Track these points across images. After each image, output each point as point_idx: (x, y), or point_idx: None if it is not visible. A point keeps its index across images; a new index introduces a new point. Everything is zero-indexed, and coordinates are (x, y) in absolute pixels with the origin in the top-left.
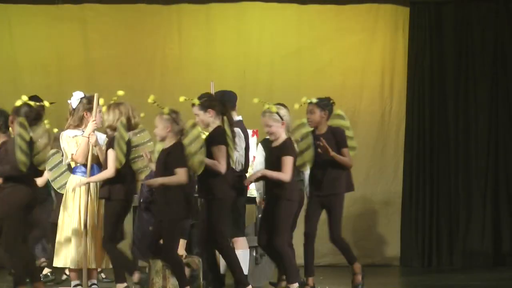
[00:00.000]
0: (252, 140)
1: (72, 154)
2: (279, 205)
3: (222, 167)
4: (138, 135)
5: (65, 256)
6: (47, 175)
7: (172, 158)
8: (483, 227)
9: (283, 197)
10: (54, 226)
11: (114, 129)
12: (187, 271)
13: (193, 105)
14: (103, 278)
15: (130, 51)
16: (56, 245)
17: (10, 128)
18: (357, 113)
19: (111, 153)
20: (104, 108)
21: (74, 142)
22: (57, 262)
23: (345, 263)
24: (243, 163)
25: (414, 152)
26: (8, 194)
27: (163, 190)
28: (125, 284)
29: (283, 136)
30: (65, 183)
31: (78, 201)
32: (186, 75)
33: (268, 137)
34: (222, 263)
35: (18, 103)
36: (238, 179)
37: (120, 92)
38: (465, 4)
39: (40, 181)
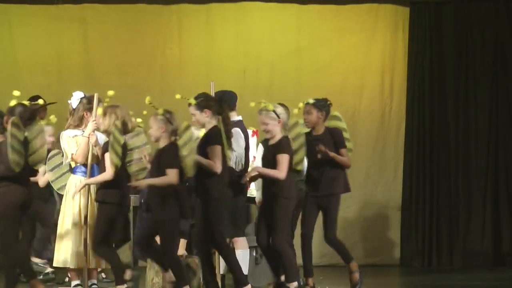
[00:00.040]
0: (252, 140)
1: (72, 154)
2: (277, 204)
3: (217, 167)
4: (134, 138)
5: (65, 256)
6: (48, 176)
7: (164, 158)
8: (483, 227)
9: (280, 195)
10: (56, 227)
11: (107, 131)
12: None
13: (189, 105)
14: (103, 278)
15: (130, 51)
16: (56, 245)
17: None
18: (357, 113)
19: (108, 157)
20: (99, 111)
21: (74, 142)
22: (57, 262)
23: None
24: (243, 163)
25: (414, 152)
26: (3, 194)
27: (156, 191)
28: (125, 286)
29: (279, 134)
30: (65, 185)
31: (78, 202)
32: (186, 75)
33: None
34: (222, 263)
35: (13, 103)
36: (238, 179)
37: (110, 92)
38: (465, 4)
39: (41, 182)
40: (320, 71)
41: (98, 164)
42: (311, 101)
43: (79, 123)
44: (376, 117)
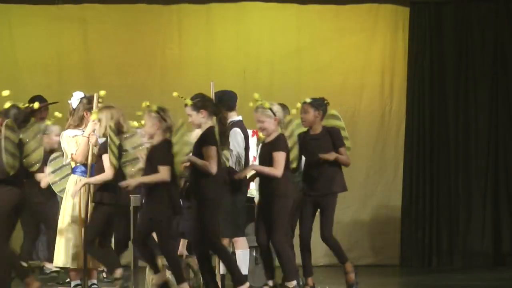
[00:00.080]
0: (252, 140)
1: (72, 154)
2: (274, 202)
3: (213, 168)
4: (129, 139)
5: (65, 256)
6: (49, 178)
7: (156, 155)
8: (483, 227)
9: (277, 193)
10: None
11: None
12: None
13: (186, 105)
14: (104, 278)
15: (130, 51)
16: (56, 245)
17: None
18: (357, 113)
19: (107, 158)
20: (93, 116)
21: (74, 142)
22: (57, 262)
23: None
24: (243, 163)
25: (414, 152)
26: None
27: (148, 188)
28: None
29: (275, 132)
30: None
31: (78, 202)
32: (186, 75)
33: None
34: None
35: (7, 105)
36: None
37: (102, 92)
38: (465, 4)
39: (43, 183)
40: (320, 71)
41: (96, 164)
42: (308, 100)
43: (79, 123)
44: (376, 117)
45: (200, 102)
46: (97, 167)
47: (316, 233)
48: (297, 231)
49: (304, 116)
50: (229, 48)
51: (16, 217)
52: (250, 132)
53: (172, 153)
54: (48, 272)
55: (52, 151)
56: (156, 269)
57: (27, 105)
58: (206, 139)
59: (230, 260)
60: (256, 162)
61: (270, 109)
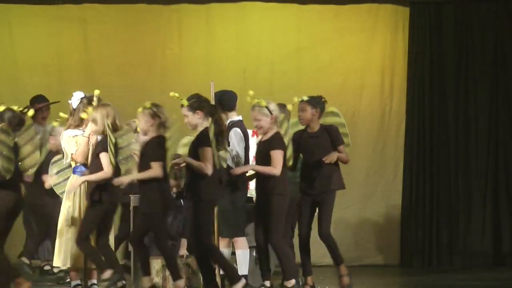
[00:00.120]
0: (252, 140)
1: (72, 154)
2: (271, 200)
3: (208, 169)
4: (123, 137)
5: (65, 256)
6: (52, 179)
7: (148, 151)
8: (483, 227)
9: (274, 192)
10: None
11: (102, 132)
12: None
13: (182, 105)
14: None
15: (130, 51)
16: (56, 245)
17: None
18: (357, 113)
19: (105, 156)
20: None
21: (74, 142)
22: (57, 262)
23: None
24: (243, 163)
25: (414, 152)
26: None
27: (140, 184)
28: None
29: (272, 130)
30: None
31: (78, 202)
32: (186, 75)
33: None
34: None
35: (1, 108)
36: (236, 178)
37: (96, 91)
38: (465, 4)
39: (47, 184)
40: (320, 71)
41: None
42: (305, 98)
43: (80, 123)
44: (376, 117)
45: (196, 103)
46: (95, 165)
47: (316, 233)
48: (297, 231)
49: (301, 114)
50: (229, 48)
51: (12, 221)
52: (250, 132)
53: (165, 149)
54: (56, 272)
55: (58, 152)
56: (146, 271)
57: (21, 108)
58: (202, 140)
59: (222, 260)
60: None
61: (267, 107)
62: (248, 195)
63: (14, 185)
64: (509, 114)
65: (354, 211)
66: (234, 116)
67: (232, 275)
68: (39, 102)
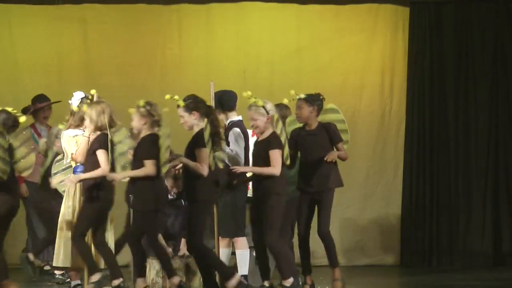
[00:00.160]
0: (252, 140)
1: (72, 154)
2: (268, 200)
3: (204, 170)
4: (116, 133)
5: (65, 256)
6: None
7: (142, 149)
8: (483, 227)
9: (272, 191)
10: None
11: (98, 129)
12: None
13: (178, 106)
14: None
15: (130, 51)
16: (56, 245)
17: None
18: (357, 113)
19: (102, 153)
20: (85, 108)
21: (74, 142)
22: (57, 262)
23: (345, 263)
24: (243, 164)
25: (414, 152)
26: None
27: (133, 182)
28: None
29: (269, 130)
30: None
31: (78, 202)
32: (186, 75)
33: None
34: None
35: None
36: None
37: (93, 91)
38: (465, 4)
39: (52, 184)
40: (320, 71)
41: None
42: (302, 96)
43: (80, 123)
44: (376, 117)
45: (193, 104)
46: (91, 162)
47: (316, 233)
48: (297, 230)
49: (298, 112)
50: (229, 48)
51: (9, 222)
52: (250, 132)
53: (158, 147)
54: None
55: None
56: (141, 272)
57: (15, 111)
58: (198, 141)
59: (214, 259)
60: None
61: (263, 107)
62: (248, 195)
63: (8, 187)
64: (509, 114)
65: (354, 211)
66: (234, 116)
67: (225, 272)
68: (41, 102)
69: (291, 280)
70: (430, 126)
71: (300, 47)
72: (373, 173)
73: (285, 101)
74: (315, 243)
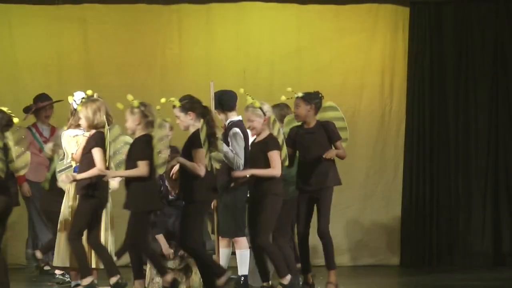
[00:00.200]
0: (252, 140)
1: (72, 154)
2: (264, 200)
3: (201, 170)
4: (110, 131)
5: (65, 256)
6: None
7: (135, 150)
8: (483, 227)
9: (269, 192)
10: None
11: (94, 127)
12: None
13: (174, 106)
14: None
15: (130, 51)
16: (56, 245)
17: None
18: (357, 113)
19: (98, 152)
20: (79, 107)
21: (74, 142)
22: (57, 262)
23: (345, 263)
24: (243, 164)
25: (414, 152)
26: None
27: (126, 183)
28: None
29: (266, 132)
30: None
31: (77, 202)
32: (186, 75)
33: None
34: (222, 263)
35: None
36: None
37: (89, 92)
38: (465, 4)
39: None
40: (320, 71)
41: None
42: (300, 94)
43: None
44: (376, 117)
45: (188, 104)
46: (86, 161)
47: (316, 233)
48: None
49: (296, 110)
50: (229, 48)
51: (5, 222)
52: (249, 132)
53: (152, 148)
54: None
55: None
56: (139, 275)
57: (10, 111)
58: (194, 142)
59: (206, 259)
60: None
61: (260, 108)
62: (248, 195)
63: (5, 186)
64: (509, 114)
65: (354, 211)
66: (234, 116)
67: (217, 271)
68: (42, 101)
69: (288, 277)
70: (430, 126)
71: (300, 47)
72: (373, 173)
73: (283, 98)
74: (316, 244)
